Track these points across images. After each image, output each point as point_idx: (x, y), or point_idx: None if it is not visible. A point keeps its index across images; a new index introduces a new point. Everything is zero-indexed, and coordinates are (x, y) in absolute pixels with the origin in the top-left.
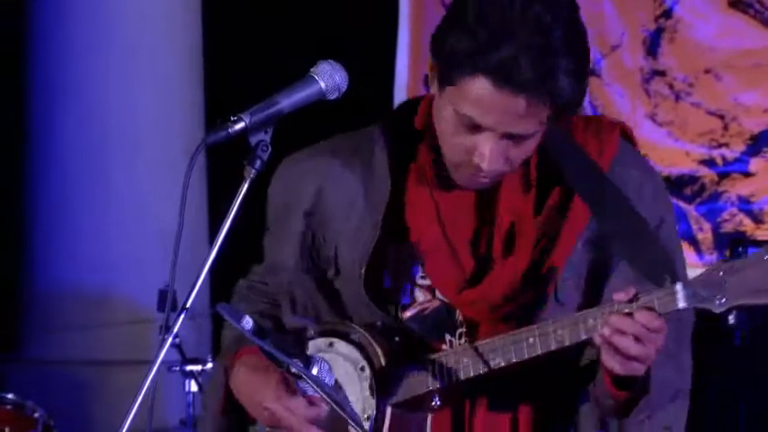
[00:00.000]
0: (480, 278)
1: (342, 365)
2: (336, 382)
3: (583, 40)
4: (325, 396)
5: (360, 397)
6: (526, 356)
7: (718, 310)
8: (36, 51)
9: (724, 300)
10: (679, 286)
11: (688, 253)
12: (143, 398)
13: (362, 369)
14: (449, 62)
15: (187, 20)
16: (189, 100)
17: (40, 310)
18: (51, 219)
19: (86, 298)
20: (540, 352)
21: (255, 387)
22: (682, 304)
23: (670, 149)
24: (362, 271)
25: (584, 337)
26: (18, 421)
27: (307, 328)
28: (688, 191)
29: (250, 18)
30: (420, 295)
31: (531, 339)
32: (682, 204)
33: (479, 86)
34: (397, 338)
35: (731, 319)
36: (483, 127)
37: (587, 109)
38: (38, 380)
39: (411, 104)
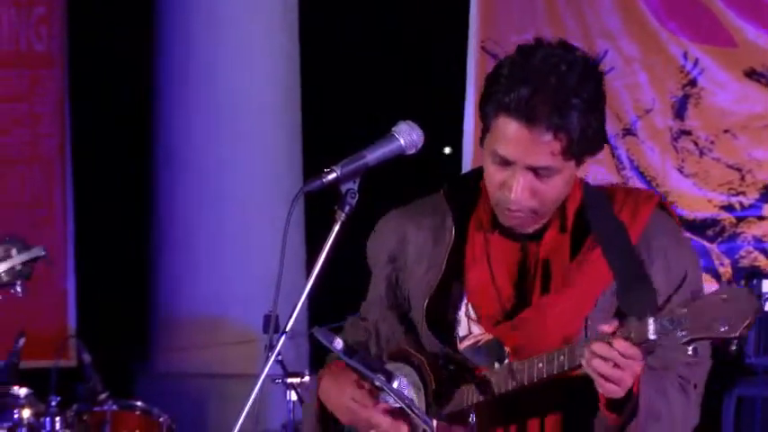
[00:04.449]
0: (516, 313)
1: (405, 385)
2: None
3: (597, 87)
4: (403, 405)
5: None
6: (535, 379)
7: (681, 342)
8: (161, 124)
9: (685, 333)
10: (651, 320)
11: (710, 284)
12: (251, 405)
13: (419, 389)
14: (484, 112)
15: (289, 92)
16: (289, 155)
17: (166, 332)
18: (177, 258)
19: (204, 322)
20: (545, 375)
21: (336, 388)
22: (652, 336)
23: (695, 197)
24: (425, 306)
25: (578, 362)
26: (146, 425)
27: (382, 355)
28: (710, 232)
29: (340, 87)
30: (475, 329)
31: (540, 364)
32: (705, 243)
33: (503, 123)
34: (451, 367)
35: (690, 350)
36: (510, 161)
37: (626, 163)
38: (162, 390)
39: (476, 170)
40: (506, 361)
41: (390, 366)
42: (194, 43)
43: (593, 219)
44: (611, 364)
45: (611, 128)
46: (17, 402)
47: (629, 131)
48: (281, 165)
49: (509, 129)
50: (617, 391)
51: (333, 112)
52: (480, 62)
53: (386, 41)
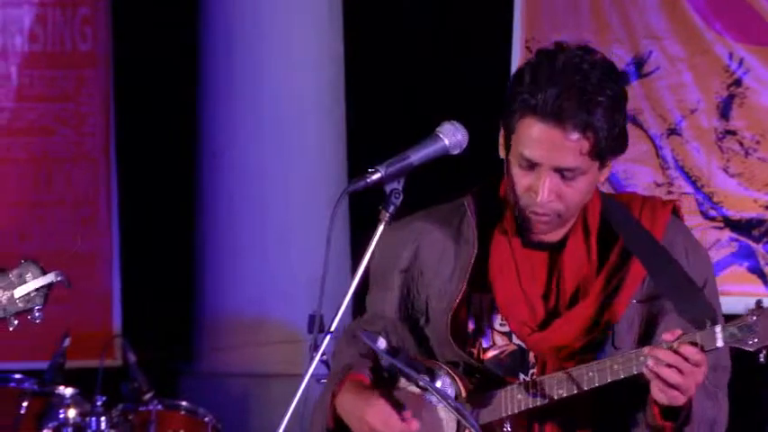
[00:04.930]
0: (548, 324)
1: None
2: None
3: (618, 87)
4: (446, 404)
5: (446, 425)
6: (585, 388)
7: (750, 350)
8: (205, 124)
9: (756, 340)
10: (718, 328)
11: (756, 285)
12: (296, 405)
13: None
14: (508, 117)
15: (333, 93)
16: (333, 155)
17: (210, 332)
18: (221, 259)
19: (248, 322)
20: (596, 384)
21: (358, 405)
22: (720, 343)
23: (741, 197)
24: (449, 318)
25: (635, 371)
26: (191, 424)
27: None
28: (756, 232)
29: (385, 87)
30: (499, 339)
31: (590, 373)
32: (751, 243)
33: (529, 125)
34: (477, 376)
35: (761, 357)
36: (536, 163)
37: (671, 163)
38: (206, 389)
39: (496, 179)
40: (532, 371)
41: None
42: (238, 43)
43: (617, 224)
44: (677, 371)
45: (656, 128)
46: (63, 402)
47: (673, 131)
48: (325, 165)
49: (535, 130)
50: (679, 399)
51: (377, 113)
52: (524, 61)
53: (430, 41)
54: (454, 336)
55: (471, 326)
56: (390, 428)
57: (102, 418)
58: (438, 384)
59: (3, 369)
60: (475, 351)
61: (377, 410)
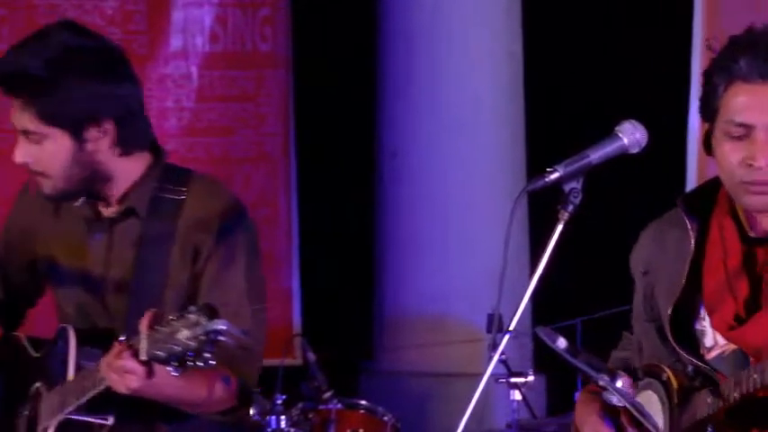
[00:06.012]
0: (746, 320)
1: (654, 400)
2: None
3: None
4: (627, 404)
5: (660, 427)
6: (752, 389)
7: None
8: (384, 123)
9: None
10: None
11: None
12: (474, 405)
13: (663, 403)
14: (711, 96)
15: (512, 93)
16: (512, 155)
17: (390, 331)
18: (401, 257)
19: (427, 321)
20: (759, 385)
21: (581, 416)
22: None
23: None
24: (669, 319)
25: None
26: (370, 424)
27: (637, 370)
28: None
29: (564, 87)
30: (720, 339)
31: (755, 375)
32: None
33: (735, 92)
34: (698, 380)
35: None
36: (750, 127)
37: None
38: (386, 388)
39: (712, 181)
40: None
41: (644, 382)
42: (417, 43)
43: None
44: None
45: None
46: None
47: None
48: (504, 164)
49: (743, 94)
50: None
51: (556, 112)
52: (705, 60)
53: (609, 40)
54: (678, 336)
55: (694, 326)
56: None
57: (282, 417)
58: (618, 384)
59: None
60: (700, 351)
61: (591, 421)
